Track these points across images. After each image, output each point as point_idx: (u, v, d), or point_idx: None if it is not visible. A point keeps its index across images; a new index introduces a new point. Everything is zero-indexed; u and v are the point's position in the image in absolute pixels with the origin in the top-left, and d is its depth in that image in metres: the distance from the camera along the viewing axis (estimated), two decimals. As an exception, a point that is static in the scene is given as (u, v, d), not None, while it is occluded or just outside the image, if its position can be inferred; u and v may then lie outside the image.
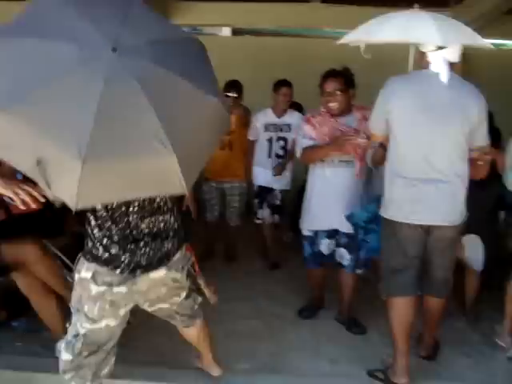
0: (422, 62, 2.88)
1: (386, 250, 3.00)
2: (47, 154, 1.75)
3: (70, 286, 3.08)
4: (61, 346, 2.94)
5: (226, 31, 9.77)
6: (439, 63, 2.79)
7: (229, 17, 7.67)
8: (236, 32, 9.65)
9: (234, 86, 4.81)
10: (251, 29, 9.05)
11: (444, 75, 2.77)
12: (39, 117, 1.75)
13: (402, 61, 3.59)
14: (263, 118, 4.88)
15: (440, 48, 2.79)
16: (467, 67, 7.12)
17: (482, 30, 6.81)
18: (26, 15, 1.95)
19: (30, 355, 3.03)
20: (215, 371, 2.92)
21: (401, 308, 2.91)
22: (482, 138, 2.88)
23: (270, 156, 4.91)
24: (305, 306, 3.97)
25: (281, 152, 4.89)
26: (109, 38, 1.84)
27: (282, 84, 4.83)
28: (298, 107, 5.23)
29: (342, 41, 3.22)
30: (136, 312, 2.47)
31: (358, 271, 3.65)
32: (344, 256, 3.62)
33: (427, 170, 2.77)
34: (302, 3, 7.20)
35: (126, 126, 1.80)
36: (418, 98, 2.78)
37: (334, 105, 3.53)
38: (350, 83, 3.60)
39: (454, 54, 2.83)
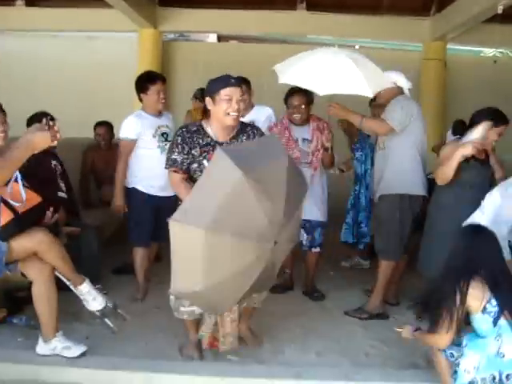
0: (395, 93, 4.05)
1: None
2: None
3: (76, 271, 3.19)
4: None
5: (212, 38, 9.93)
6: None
7: (215, 23, 7.83)
8: (222, 38, 9.81)
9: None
10: (237, 35, 9.21)
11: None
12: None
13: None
14: None
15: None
16: (448, 72, 7.42)
17: (461, 37, 7.10)
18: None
19: (32, 350, 3.11)
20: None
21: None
22: None
23: None
24: (279, 284, 4.34)
25: None
26: (276, 235, 2.71)
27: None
28: None
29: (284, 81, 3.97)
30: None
31: (315, 250, 4.40)
32: (303, 236, 4.32)
33: (422, 156, 4.10)
34: (287, 11, 7.39)
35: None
36: (418, 111, 4.08)
37: (298, 116, 4.30)
38: (310, 100, 4.33)
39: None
